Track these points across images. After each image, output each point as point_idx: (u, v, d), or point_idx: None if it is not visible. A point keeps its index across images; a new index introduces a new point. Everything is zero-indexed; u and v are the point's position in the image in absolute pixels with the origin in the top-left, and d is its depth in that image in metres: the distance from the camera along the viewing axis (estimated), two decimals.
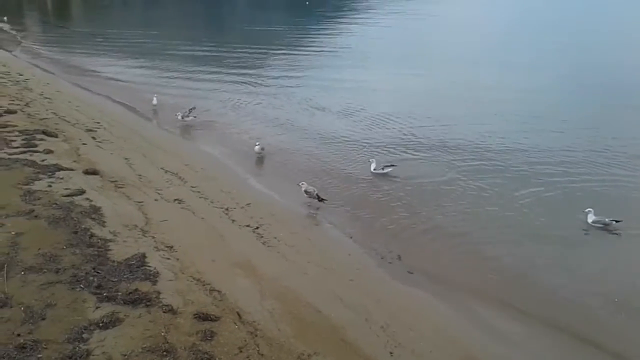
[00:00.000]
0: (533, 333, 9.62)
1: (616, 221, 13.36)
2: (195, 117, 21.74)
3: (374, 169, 16.57)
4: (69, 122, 19.44)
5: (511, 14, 71.10)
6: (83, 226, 10.69)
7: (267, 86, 28.91)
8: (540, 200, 14.89)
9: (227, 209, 13.28)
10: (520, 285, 11.16)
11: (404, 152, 18.74)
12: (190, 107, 21.86)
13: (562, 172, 16.99)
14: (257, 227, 12.45)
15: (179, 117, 21.49)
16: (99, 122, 19.92)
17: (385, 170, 16.51)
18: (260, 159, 17.88)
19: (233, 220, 12.73)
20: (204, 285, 9.31)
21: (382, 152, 18.57)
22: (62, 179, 13.31)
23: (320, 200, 14.43)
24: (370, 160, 16.86)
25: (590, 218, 13.51)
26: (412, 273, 11.34)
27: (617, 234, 13.32)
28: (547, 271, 11.70)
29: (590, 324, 9.93)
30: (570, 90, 29.96)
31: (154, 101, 23.73)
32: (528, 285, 11.15)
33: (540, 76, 32.82)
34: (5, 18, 54.84)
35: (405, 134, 20.69)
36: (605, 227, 13.42)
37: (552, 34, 50.26)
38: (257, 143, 17.83)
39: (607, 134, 20.78)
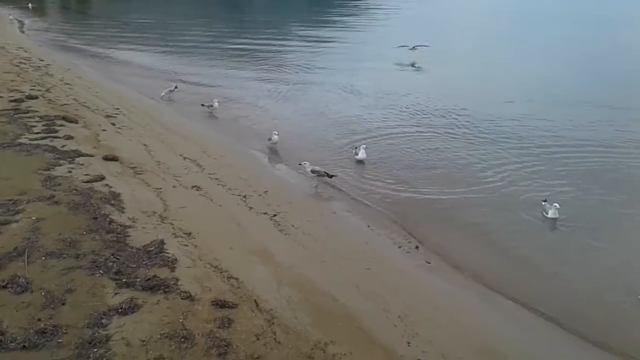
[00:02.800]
0: (552, 326, 9.49)
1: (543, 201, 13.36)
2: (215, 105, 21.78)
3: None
4: (88, 108, 19.61)
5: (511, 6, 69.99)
6: (102, 212, 10.79)
7: (288, 74, 28.82)
8: (558, 190, 14.68)
9: (244, 196, 13.30)
10: (539, 277, 11.01)
11: (428, 140, 18.60)
12: (209, 104, 21.67)
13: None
14: (275, 215, 12.45)
15: (206, 106, 21.56)
16: (118, 108, 20.05)
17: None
18: (276, 148, 17.72)
19: (250, 208, 12.74)
20: (221, 272, 9.35)
21: (409, 139, 18.51)
22: (82, 164, 13.45)
23: (330, 176, 14.45)
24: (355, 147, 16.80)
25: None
26: (429, 263, 11.27)
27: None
28: (567, 264, 11.54)
29: (609, 318, 9.80)
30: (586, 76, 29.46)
31: (164, 92, 23.52)
32: (547, 278, 10.99)
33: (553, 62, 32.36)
34: (30, 5, 55.18)
35: (433, 122, 20.56)
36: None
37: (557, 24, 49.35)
38: (274, 132, 17.55)
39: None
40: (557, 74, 29.79)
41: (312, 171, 14.52)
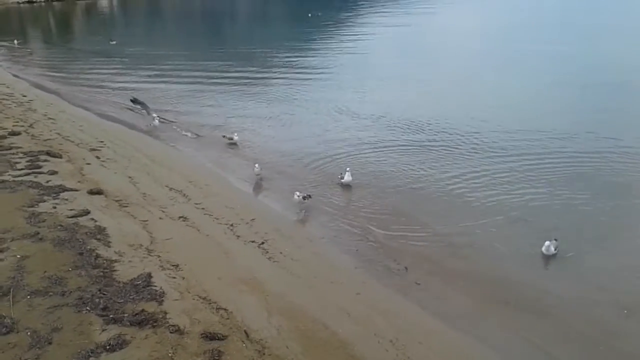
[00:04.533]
0: (543, 349, 9.50)
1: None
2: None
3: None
4: (72, 142, 19.52)
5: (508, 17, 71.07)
6: (88, 247, 10.71)
7: (273, 101, 28.84)
8: (542, 209, 14.82)
9: (231, 225, 13.26)
10: (530, 299, 11.04)
11: (414, 160, 18.74)
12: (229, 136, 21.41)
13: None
14: (262, 243, 12.42)
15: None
16: (102, 141, 19.98)
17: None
18: (260, 179, 17.36)
19: (238, 236, 12.71)
20: (210, 303, 9.28)
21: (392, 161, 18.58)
22: (66, 199, 13.36)
23: (309, 197, 14.71)
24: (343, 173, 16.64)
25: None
26: (419, 284, 11.28)
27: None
28: (558, 283, 11.58)
29: (600, 334, 9.84)
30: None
31: (155, 122, 23.31)
32: (538, 299, 11.03)
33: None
34: (15, 41, 54.90)
35: (414, 141, 20.67)
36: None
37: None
38: (256, 165, 17.25)
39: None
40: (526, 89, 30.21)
41: (304, 198, 14.51)
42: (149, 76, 36.74)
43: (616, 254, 12.55)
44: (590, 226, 13.81)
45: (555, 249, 12.35)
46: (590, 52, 41.24)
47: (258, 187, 17.15)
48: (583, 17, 66.91)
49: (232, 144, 21.03)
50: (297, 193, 14.62)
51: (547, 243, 12.33)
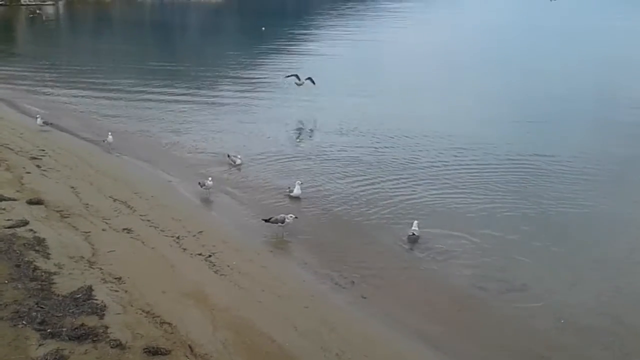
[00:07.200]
0: (484, 355, 9.76)
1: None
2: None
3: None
4: (12, 149, 18.81)
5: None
6: (26, 259, 10.32)
7: (221, 114, 28.61)
8: (495, 220, 15.22)
9: (178, 238, 13.03)
10: (470, 308, 11.33)
11: (361, 177, 18.83)
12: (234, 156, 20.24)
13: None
14: (209, 256, 12.25)
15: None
16: (43, 150, 19.31)
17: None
18: (209, 192, 16.89)
19: (184, 249, 12.50)
20: (153, 317, 9.08)
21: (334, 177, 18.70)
22: (4, 209, 12.86)
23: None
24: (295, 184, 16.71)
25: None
26: (365, 298, 11.39)
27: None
28: (501, 296, 11.92)
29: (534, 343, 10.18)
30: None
31: (110, 138, 21.39)
32: (478, 309, 11.33)
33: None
34: None
35: (356, 158, 20.87)
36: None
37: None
38: (209, 178, 16.74)
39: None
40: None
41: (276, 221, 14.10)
42: (91, 87, 35.64)
43: (556, 265, 13.04)
44: (531, 237, 14.25)
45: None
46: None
47: (207, 200, 16.91)
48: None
49: (236, 166, 19.85)
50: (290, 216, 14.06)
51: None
